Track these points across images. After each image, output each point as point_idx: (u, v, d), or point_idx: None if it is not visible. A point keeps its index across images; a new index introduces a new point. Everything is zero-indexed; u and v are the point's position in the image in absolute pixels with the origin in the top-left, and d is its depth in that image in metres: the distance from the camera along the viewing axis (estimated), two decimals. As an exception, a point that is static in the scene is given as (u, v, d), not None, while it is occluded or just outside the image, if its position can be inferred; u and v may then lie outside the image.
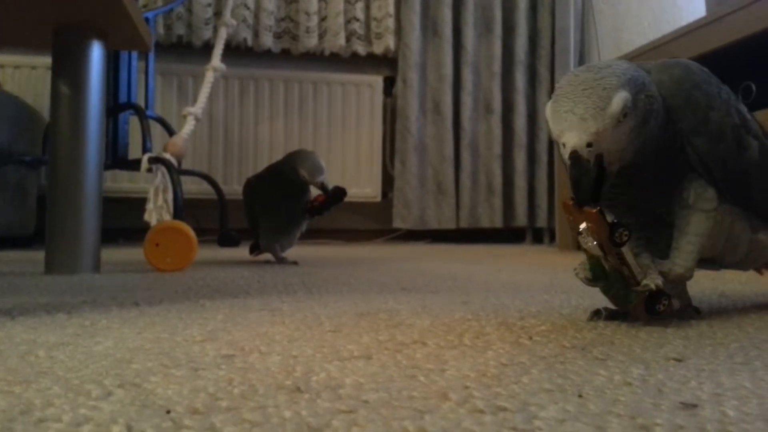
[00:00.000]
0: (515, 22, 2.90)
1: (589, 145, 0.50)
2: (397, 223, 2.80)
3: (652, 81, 0.56)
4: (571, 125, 0.50)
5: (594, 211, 0.51)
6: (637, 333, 0.51)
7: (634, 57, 1.85)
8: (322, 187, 1.33)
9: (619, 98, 0.50)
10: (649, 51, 1.79)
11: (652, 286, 0.53)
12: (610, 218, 0.51)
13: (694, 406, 0.30)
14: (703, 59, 1.58)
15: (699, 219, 0.57)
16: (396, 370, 0.38)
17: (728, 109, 0.58)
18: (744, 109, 0.61)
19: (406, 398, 0.32)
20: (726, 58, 1.56)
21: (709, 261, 0.62)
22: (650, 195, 0.58)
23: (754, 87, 1.52)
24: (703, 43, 1.59)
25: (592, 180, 0.50)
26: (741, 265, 0.65)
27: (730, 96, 0.60)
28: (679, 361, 0.41)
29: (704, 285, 0.86)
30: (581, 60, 2.74)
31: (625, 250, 0.53)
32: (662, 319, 0.54)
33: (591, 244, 0.53)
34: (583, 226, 0.53)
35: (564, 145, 0.51)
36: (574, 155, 0.50)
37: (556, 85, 0.54)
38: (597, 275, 0.56)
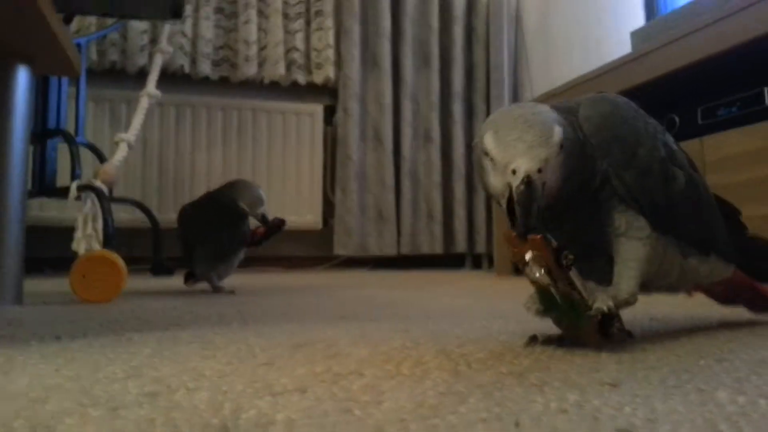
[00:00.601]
0: (452, 57, 2.97)
1: (538, 171, 0.51)
2: (338, 250, 2.78)
3: (581, 116, 0.58)
4: (521, 152, 0.51)
5: (538, 237, 0.51)
6: (573, 358, 0.52)
7: (564, 91, 1.92)
8: (262, 219, 1.32)
9: (558, 130, 0.52)
10: (579, 85, 1.86)
11: (605, 308, 0.53)
12: (554, 243, 0.52)
13: None
14: (629, 93, 1.65)
15: (636, 246, 0.58)
16: (331, 404, 0.36)
17: (655, 143, 0.60)
18: (671, 140, 0.64)
19: (339, 433, 0.30)
20: (651, 92, 1.64)
21: (642, 285, 0.64)
22: (579, 227, 0.59)
23: (677, 119, 1.60)
24: (629, 78, 1.66)
25: (541, 206, 0.51)
26: (672, 288, 0.67)
27: (657, 129, 0.62)
28: (614, 386, 0.41)
29: (635, 309, 0.88)
30: (515, 92, 2.83)
31: (574, 274, 0.53)
32: (614, 342, 0.55)
33: (539, 274, 0.53)
34: (528, 255, 0.53)
35: (514, 171, 0.51)
36: (528, 180, 0.50)
37: (491, 119, 0.55)
38: (548, 306, 0.56)
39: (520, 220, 0.51)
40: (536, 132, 0.52)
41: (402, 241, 2.85)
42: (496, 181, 0.53)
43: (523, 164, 0.51)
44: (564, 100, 0.63)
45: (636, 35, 1.89)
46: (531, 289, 0.58)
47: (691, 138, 1.47)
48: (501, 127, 0.53)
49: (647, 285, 0.64)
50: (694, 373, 0.45)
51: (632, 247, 0.58)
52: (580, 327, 0.54)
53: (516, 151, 0.51)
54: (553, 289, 0.54)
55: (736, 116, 1.43)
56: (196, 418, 0.33)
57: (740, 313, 0.79)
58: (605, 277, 0.60)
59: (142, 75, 2.46)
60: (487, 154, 0.53)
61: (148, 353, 0.56)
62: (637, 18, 2.52)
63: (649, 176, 0.58)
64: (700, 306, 0.92)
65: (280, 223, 1.34)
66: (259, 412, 0.35)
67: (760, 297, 0.72)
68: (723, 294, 0.74)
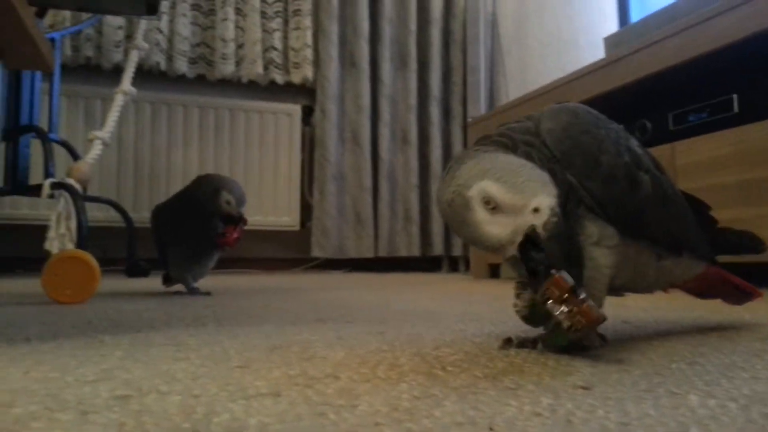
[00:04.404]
0: (429, 59, 2.99)
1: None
2: (316, 252, 2.77)
3: (542, 129, 0.58)
4: (538, 190, 0.52)
5: (594, 316, 0.50)
6: (546, 361, 0.52)
7: (539, 95, 1.94)
8: (240, 218, 1.29)
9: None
10: (554, 89, 1.88)
11: (590, 347, 0.54)
12: (598, 314, 0.50)
13: (601, 435, 0.30)
14: (602, 98, 1.68)
15: (605, 254, 0.58)
16: (305, 408, 0.36)
17: (618, 149, 0.60)
18: (635, 143, 0.63)
19: (313, 438, 0.30)
20: (623, 97, 1.66)
21: (617, 289, 0.65)
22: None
23: (648, 125, 1.62)
24: (602, 83, 1.69)
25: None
26: (649, 289, 0.68)
27: (620, 134, 0.62)
28: (587, 389, 0.42)
29: (608, 312, 0.89)
30: (491, 96, 2.85)
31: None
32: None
33: (566, 322, 0.51)
34: (570, 309, 0.51)
35: (536, 209, 0.51)
36: (555, 213, 0.51)
37: (476, 171, 0.54)
38: (536, 319, 0.56)
39: (550, 256, 0.51)
40: (537, 171, 0.53)
41: (379, 244, 2.85)
42: (500, 230, 0.53)
43: (546, 201, 0.51)
44: (516, 120, 0.63)
45: (609, 41, 1.91)
46: (510, 292, 0.58)
47: (663, 143, 1.50)
48: (502, 174, 0.53)
49: (623, 288, 0.65)
50: (665, 377, 0.46)
51: (601, 254, 0.58)
52: (557, 344, 0.55)
53: (532, 191, 0.52)
54: (559, 326, 0.52)
55: (706, 122, 1.46)
56: (166, 422, 0.33)
57: (710, 317, 0.80)
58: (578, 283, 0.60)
59: (117, 71, 2.43)
60: (488, 203, 0.53)
61: (120, 355, 0.55)
62: (610, 23, 2.55)
63: (615, 183, 0.58)
64: (672, 310, 0.93)
65: (245, 220, 1.31)
66: (232, 416, 0.34)
67: (735, 289, 0.74)
68: (698, 289, 0.75)
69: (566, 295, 0.50)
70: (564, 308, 0.51)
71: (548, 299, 0.51)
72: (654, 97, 1.62)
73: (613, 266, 0.59)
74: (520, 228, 0.52)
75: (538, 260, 0.51)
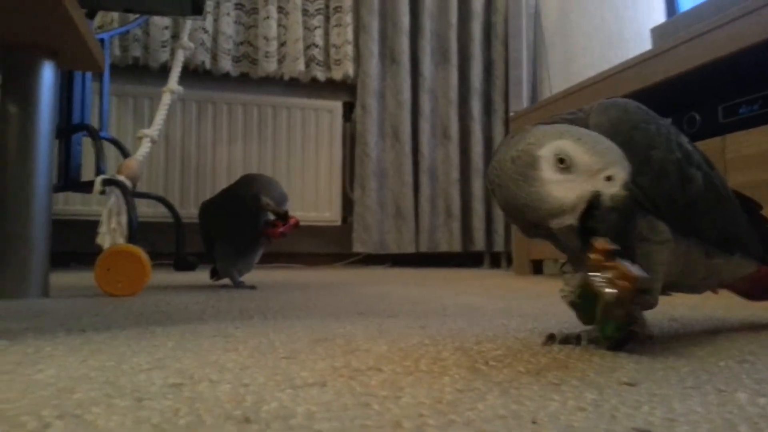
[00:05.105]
0: (471, 53, 2.97)
1: None
2: (357, 247, 2.79)
3: (591, 124, 0.58)
4: (617, 160, 0.51)
5: (637, 276, 0.48)
6: (591, 357, 0.52)
7: (583, 88, 1.90)
8: (286, 215, 1.32)
9: None
10: (598, 82, 1.84)
11: (638, 334, 0.53)
12: (640, 285, 0.49)
13: (647, 431, 0.30)
14: (649, 91, 1.64)
15: (657, 250, 0.58)
16: (350, 398, 0.37)
17: (669, 145, 0.59)
18: (685, 140, 0.62)
19: (359, 427, 0.31)
20: (671, 89, 1.62)
21: (665, 286, 0.64)
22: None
23: (697, 117, 1.58)
24: (649, 75, 1.65)
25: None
26: (697, 288, 0.67)
27: (670, 131, 0.61)
28: (632, 385, 0.41)
29: (655, 309, 0.87)
30: (534, 90, 2.81)
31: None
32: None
33: (607, 290, 0.49)
34: (609, 274, 0.49)
35: (609, 178, 0.50)
36: (627, 187, 0.50)
37: (554, 131, 0.53)
38: (584, 305, 0.54)
39: (611, 228, 0.50)
40: (615, 145, 0.52)
41: (420, 239, 2.85)
42: (565, 192, 0.51)
43: (622, 173, 0.50)
44: (568, 111, 0.62)
45: (656, 32, 1.87)
46: (554, 288, 0.58)
47: (713, 136, 1.46)
48: (581, 136, 0.52)
49: (672, 286, 0.64)
50: (713, 374, 0.45)
51: (654, 250, 0.58)
52: (605, 335, 0.54)
53: (611, 159, 0.51)
54: (609, 305, 0.51)
55: (757, 114, 1.41)
56: (218, 409, 0.34)
57: (762, 315, 0.78)
58: None
59: (164, 71, 2.50)
60: (561, 161, 0.51)
61: (172, 346, 0.57)
62: (657, 14, 2.49)
63: (666, 179, 0.57)
64: (720, 308, 0.91)
65: (296, 223, 1.34)
66: (280, 404, 0.35)
67: None
68: (748, 289, 0.73)
69: (607, 259, 0.49)
70: (607, 275, 0.49)
71: (591, 270, 0.50)
72: (703, 89, 1.57)
73: (666, 262, 0.58)
74: (586, 194, 0.50)
75: (598, 231, 0.49)
